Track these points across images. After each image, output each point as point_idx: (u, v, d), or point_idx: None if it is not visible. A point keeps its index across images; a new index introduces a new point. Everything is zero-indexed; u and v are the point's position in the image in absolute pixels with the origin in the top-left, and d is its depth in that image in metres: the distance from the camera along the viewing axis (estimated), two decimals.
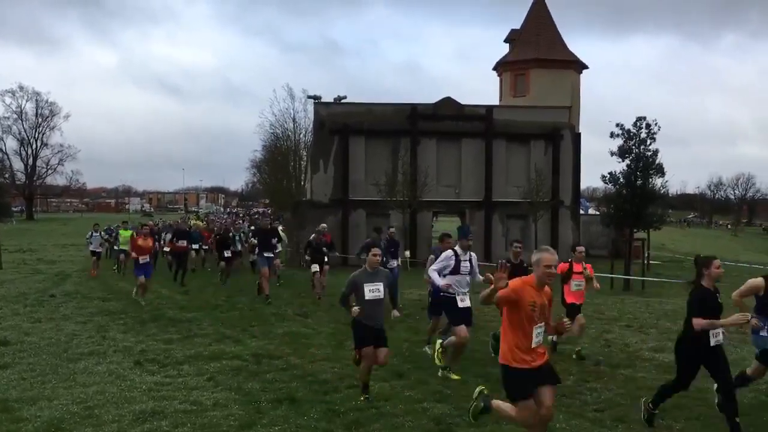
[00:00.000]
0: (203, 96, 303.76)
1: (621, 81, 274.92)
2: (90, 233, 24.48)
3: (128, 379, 8.45)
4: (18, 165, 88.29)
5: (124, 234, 22.57)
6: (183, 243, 20.80)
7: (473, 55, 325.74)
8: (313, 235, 17.25)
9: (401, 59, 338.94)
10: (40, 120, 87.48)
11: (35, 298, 16.46)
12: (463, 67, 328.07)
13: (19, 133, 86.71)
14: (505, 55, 42.19)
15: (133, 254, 15.66)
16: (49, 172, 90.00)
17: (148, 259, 15.77)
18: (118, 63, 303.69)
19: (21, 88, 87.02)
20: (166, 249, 23.29)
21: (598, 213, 44.56)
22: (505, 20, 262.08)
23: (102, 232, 24.31)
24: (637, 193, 34.27)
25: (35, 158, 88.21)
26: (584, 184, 48.69)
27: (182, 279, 19.78)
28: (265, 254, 16.44)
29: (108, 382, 8.30)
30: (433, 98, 34.27)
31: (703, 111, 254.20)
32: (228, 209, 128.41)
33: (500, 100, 41.15)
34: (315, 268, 16.50)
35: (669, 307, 16.04)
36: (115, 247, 25.54)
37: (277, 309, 14.71)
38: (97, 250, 24.11)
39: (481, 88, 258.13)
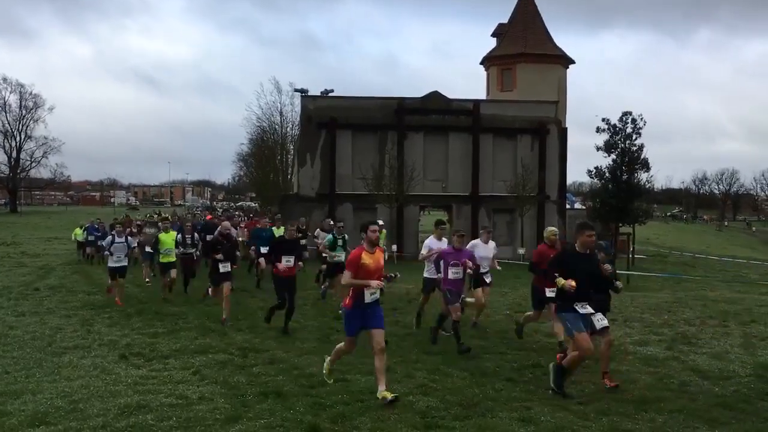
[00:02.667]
0: (183, 89, 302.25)
1: (603, 76, 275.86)
2: (109, 236, 15.59)
3: (113, 373, 8.42)
4: (1, 157, 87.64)
5: (166, 240, 15.12)
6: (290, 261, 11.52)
7: (457, 50, 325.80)
8: (482, 234, 12.09)
9: (382, 54, 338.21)
10: (24, 112, 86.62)
11: (19, 291, 16.34)
12: (447, 62, 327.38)
13: (3, 125, 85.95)
14: (492, 50, 42.24)
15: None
16: (33, 164, 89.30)
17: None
18: (95, 56, 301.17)
19: (4, 79, 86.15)
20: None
21: (584, 208, 44.92)
22: (489, 15, 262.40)
23: (130, 237, 16.15)
24: (623, 187, 34.66)
25: (19, 150, 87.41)
26: (570, 179, 48.89)
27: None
28: (451, 276, 10.59)
29: (93, 376, 8.27)
30: (417, 93, 34.22)
31: (683, 107, 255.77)
32: (213, 204, 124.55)
33: (487, 94, 41.20)
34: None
35: (653, 301, 16.18)
36: (147, 249, 18.07)
37: (264, 303, 14.68)
38: (121, 265, 14.57)
39: (466, 84, 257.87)
